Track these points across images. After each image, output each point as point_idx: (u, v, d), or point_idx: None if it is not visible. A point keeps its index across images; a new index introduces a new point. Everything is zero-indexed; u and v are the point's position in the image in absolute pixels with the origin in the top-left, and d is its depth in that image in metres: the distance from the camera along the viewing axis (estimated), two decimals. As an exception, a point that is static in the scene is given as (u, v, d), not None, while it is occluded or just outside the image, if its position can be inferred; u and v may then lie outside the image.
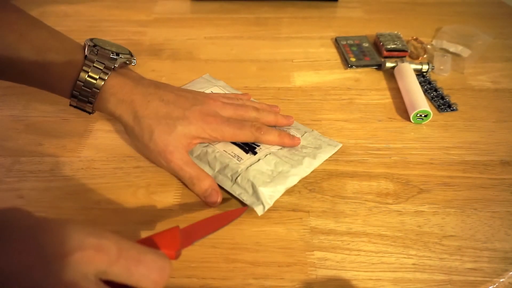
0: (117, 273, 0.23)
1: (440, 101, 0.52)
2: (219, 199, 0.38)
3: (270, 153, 0.41)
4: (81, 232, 0.23)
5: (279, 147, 0.42)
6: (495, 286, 0.34)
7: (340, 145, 0.45)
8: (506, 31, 0.67)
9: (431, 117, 0.49)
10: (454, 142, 0.46)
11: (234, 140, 0.41)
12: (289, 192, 0.40)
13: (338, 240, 0.36)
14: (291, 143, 0.42)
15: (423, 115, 0.48)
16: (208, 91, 0.50)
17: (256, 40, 0.65)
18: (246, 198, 0.37)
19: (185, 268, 0.34)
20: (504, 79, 0.57)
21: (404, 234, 0.37)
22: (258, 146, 0.42)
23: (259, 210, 0.37)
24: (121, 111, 0.37)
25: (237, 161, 0.39)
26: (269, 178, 0.38)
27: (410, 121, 0.49)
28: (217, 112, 0.40)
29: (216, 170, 0.40)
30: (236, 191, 0.38)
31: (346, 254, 0.35)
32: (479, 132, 0.48)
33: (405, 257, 0.35)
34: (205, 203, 0.39)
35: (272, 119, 0.43)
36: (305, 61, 0.60)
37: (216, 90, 0.50)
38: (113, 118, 0.40)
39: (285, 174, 0.39)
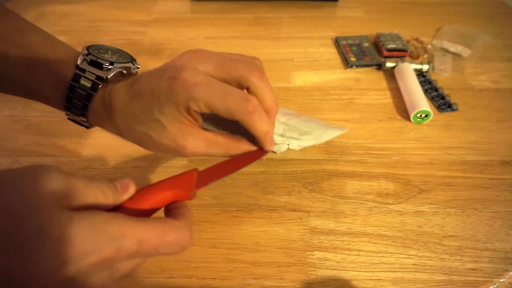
0: (138, 261, 0.24)
1: (441, 101, 0.52)
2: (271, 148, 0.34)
3: (277, 121, 0.39)
4: (98, 235, 0.21)
5: (288, 118, 0.41)
6: (495, 286, 0.34)
7: (346, 129, 0.44)
8: (506, 31, 0.67)
9: (431, 117, 0.49)
10: (454, 142, 0.46)
11: (212, 109, 0.30)
12: (289, 192, 0.40)
13: (338, 240, 0.36)
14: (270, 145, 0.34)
15: (423, 115, 0.48)
16: None
17: (256, 40, 0.65)
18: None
19: (185, 268, 0.34)
20: (505, 79, 0.57)
21: (404, 234, 0.37)
22: None
23: (278, 148, 0.37)
24: (113, 128, 0.33)
25: None
26: (280, 137, 0.38)
27: (410, 121, 0.49)
28: (193, 68, 0.30)
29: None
30: None
31: (346, 254, 0.35)
32: (480, 132, 0.48)
33: (405, 257, 0.35)
34: None
35: (272, 100, 0.32)
36: (305, 61, 0.60)
37: None
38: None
39: (295, 138, 0.39)
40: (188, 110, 0.29)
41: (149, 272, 0.34)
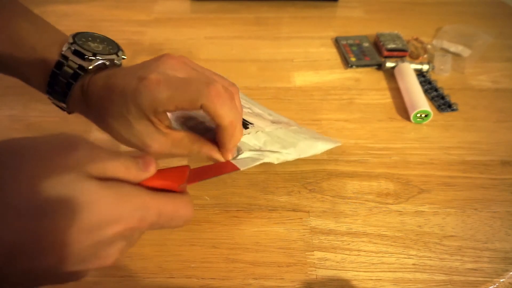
0: (150, 230, 0.25)
1: (440, 101, 0.52)
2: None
3: (261, 131, 0.37)
4: (125, 205, 0.22)
5: (275, 128, 0.38)
6: (495, 286, 0.34)
7: (340, 143, 0.44)
8: (506, 31, 0.67)
9: (431, 117, 0.49)
10: (454, 142, 0.46)
11: (177, 104, 0.29)
12: (289, 192, 0.40)
13: (338, 240, 0.36)
14: (238, 137, 0.33)
15: (423, 115, 0.48)
16: None
17: (256, 40, 0.65)
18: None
19: (185, 268, 0.34)
20: (505, 79, 0.56)
21: (404, 234, 0.37)
22: (251, 124, 0.37)
23: (236, 163, 0.34)
24: (90, 117, 0.34)
25: None
26: (256, 152, 0.35)
27: (410, 121, 0.49)
28: (163, 72, 0.29)
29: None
30: None
31: (346, 254, 0.35)
32: (480, 132, 0.48)
33: (405, 257, 0.35)
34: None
35: (228, 117, 0.30)
36: (305, 61, 0.60)
37: None
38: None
39: (275, 151, 0.36)
40: (155, 112, 0.29)
41: (149, 272, 0.34)
